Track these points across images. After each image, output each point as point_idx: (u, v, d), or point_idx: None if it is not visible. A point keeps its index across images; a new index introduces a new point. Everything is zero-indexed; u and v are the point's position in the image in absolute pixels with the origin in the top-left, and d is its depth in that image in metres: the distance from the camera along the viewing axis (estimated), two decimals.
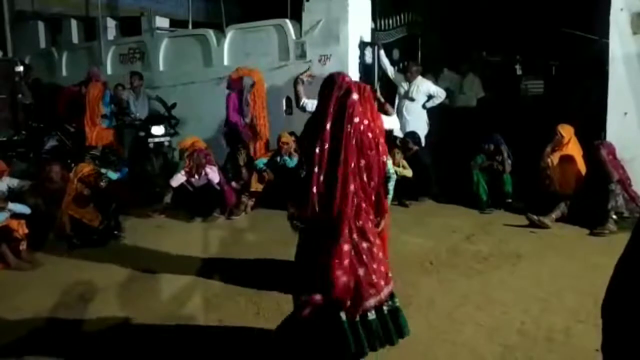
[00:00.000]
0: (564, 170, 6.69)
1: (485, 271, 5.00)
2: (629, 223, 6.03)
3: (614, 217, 6.04)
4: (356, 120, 3.12)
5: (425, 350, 3.58)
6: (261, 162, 7.60)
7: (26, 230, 5.54)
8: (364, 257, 3.19)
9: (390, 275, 3.35)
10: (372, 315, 3.21)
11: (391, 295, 3.33)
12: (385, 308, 3.27)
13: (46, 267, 5.42)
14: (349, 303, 3.15)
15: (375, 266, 3.22)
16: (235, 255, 5.51)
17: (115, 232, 6.29)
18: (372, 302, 3.20)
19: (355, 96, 3.16)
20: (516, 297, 4.35)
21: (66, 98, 9.98)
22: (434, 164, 7.84)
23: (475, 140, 7.44)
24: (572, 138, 6.73)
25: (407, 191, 7.51)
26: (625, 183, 6.32)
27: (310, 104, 4.95)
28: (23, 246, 5.53)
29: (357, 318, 3.18)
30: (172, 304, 4.41)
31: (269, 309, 4.12)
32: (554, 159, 6.75)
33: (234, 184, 7.63)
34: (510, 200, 7.11)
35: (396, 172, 7.42)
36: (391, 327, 3.28)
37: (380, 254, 3.30)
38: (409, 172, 7.52)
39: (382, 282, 3.25)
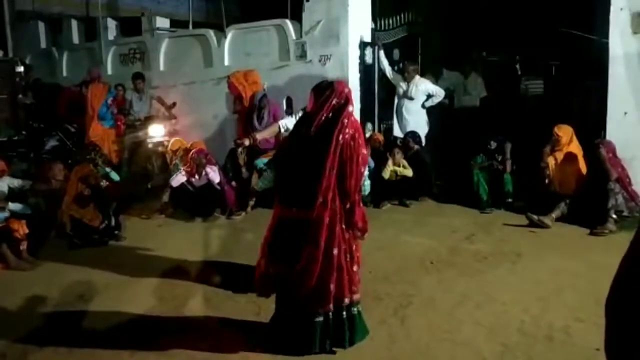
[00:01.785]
0: (563, 170, 6.69)
1: (485, 270, 5.00)
2: (629, 222, 6.04)
3: (614, 216, 6.04)
4: (346, 131, 3.28)
5: (425, 349, 3.59)
6: (261, 162, 7.60)
7: (26, 230, 5.55)
8: (332, 262, 3.33)
9: (355, 287, 3.49)
10: (319, 318, 3.39)
11: (352, 304, 3.47)
12: (344, 313, 3.43)
13: (46, 267, 5.41)
14: (309, 302, 3.35)
15: (340, 274, 3.36)
16: (236, 255, 5.51)
17: (116, 232, 6.30)
18: (330, 306, 3.38)
19: (351, 108, 3.35)
20: (516, 296, 4.35)
21: (67, 99, 9.98)
22: (434, 163, 7.84)
23: (477, 139, 7.45)
24: (573, 138, 6.72)
25: (407, 191, 7.53)
26: (624, 181, 6.32)
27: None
28: (23, 246, 5.53)
29: (315, 317, 3.37)
30: (173, 304, 4.40)
31: (269, 309, 4.10)
32: (554, 159, 6.75)
33: (234, 183, 7.63)
34: (510, 200, 7.12)
35: (396, 172, 7.47)
36: (338, 333, 3.44)
37: (348, 263, 3.42)
38: (409, 172, 7.53)
39: (346, 291, 3.41)
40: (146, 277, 4.98)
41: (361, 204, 3.53)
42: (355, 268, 3.51)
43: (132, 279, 4.96)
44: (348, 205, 3.37)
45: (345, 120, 3.28)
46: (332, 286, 3.36)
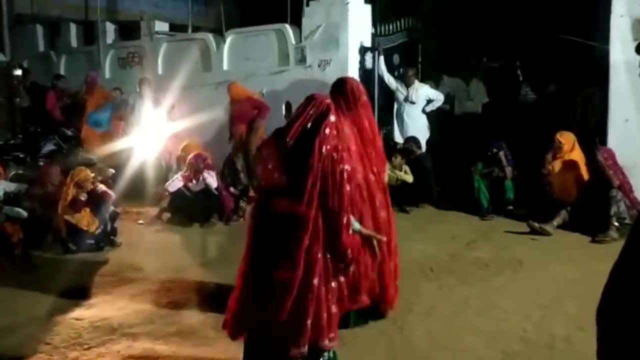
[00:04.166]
0: (565, 177, 6.66)
1: (486, 277, 4.97)
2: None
3: (616, 224, 6.00)
4: (329, 142, 3.01)
5: (426, 356, 3.55)
6: None
7: (21, 235, 5.49)
8: (311, 293, 2.97)
9: (333, 333, 3.08)
10: None
11: (326, 351, 3.10)
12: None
13: (41, 272, 5.35)
14: (279, 340, 2.99)
15: (319, 310, 3.00)
16: (233, 260, 5.41)
17: (112, 237, 6.23)
18: (304, 349, 2.99)
19: (333, 118, 3.08)
20: (517, 304, 4.31)
21: (54, 97, 9.95)
22: (434, 169, 7.81)
23: (478, 146, 7.42)
24: (575, 145, 6.69)
25: (407, 197, 7.48)
26: (625, 189, 6.29)
27: None
28: (18, 251, 5.48)
29: None
30: (168, 310, 4.35)
31: None
32: (555, 165, 6.71)
33: (232, 189, 7.58)
34: (511, 207, 7.08)
35: (397, 177, 7.41)
36: None
37: (328, 300, 3.05)
38: (409, 178, 7.48)
39: (324, 333, 3.03)
40: (141, 284, 4.92)
41: (350, 229, 3.12)
42: (334, 309, 3.11)
43: (127, 286, 4.89)
44: (333, 227, 3.01)
45: (327, 130, 3.01)
46: (308, 322, 2.96)
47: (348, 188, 3.05)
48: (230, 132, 8.52)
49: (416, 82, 8.34)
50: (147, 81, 9.37)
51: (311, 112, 3.04)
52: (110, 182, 6.98)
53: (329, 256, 3.05)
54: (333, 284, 3.12)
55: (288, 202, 2.99)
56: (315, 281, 2.97)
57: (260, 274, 3.06)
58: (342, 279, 3.26)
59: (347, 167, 3.07)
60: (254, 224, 3.23)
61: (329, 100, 3.15)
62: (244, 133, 8.37)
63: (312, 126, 3.01)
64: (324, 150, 2.95)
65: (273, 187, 3.07)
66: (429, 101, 8.32)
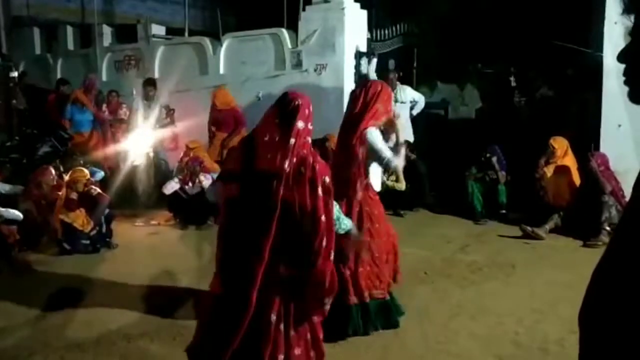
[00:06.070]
0: (557, 181, 6.72)
1: (480, 281, 5.00)
2: None
3: (607, 228, 6.05)
4: (297, 155, 2.57)
5: (420, 359, 3.56)
6: None
7: (17, 237, 5.49)
8: (268, 330, 2.55)
9: None
10: None
11: None
12: None
13: (37, 273, 5.36)
14: None
15: (275, 351, 2.57)
16: None
17: (108, 239, 6.24)
18: None
19: (301, 124, 2.60)
20: (510, 308, 4.35)
21: (52, 101, 9.96)
22: (429, 174, 7.84)
23: (472, 150, 7.47)
24: (568, 150, 6.75)
25: (402, 201, 7.51)
26: (618, 194, 6.33)
27: None
28: (14, 252, 5.48)
29: None
30: (164, 312, 4.35)
31: None
32: (548, 170, 6.77)
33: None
34: (504, 211, 7.13)
35: (387, 185, 7.42)
36: None
37: (292, 340, 2.60)
38: (402, 185, 7.48)
39: None
40: (137, 286, 4.92)
41: (331, 257, 2.61)
42: (298, 352, 2.60)
43: (123, 288, 4.90)
44: (306, 253, 2.56)
45: (292, 141, 2.54)
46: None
47: (329, 205, 2.61)
48: (211, 137, 8.51)
49: (398, 84, 8.32)
50: (153, 83, 9.24)
51: (276, 118, 2.63)
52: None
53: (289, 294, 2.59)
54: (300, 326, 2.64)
55: (247, 215, 2.59)
56: (273, 318, 2.53)
57: (220, 296, 2.67)
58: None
59: (325, 178, 2.61)
60: (221, 232, 2.82)
61: (300, 101, 2.66)
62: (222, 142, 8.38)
63: (278, 134, 2.58)
64: (286, 167, 2.52)
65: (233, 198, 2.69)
66: (413, 104, 8.31)
